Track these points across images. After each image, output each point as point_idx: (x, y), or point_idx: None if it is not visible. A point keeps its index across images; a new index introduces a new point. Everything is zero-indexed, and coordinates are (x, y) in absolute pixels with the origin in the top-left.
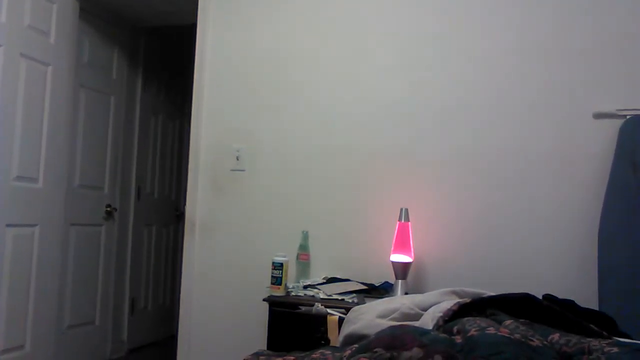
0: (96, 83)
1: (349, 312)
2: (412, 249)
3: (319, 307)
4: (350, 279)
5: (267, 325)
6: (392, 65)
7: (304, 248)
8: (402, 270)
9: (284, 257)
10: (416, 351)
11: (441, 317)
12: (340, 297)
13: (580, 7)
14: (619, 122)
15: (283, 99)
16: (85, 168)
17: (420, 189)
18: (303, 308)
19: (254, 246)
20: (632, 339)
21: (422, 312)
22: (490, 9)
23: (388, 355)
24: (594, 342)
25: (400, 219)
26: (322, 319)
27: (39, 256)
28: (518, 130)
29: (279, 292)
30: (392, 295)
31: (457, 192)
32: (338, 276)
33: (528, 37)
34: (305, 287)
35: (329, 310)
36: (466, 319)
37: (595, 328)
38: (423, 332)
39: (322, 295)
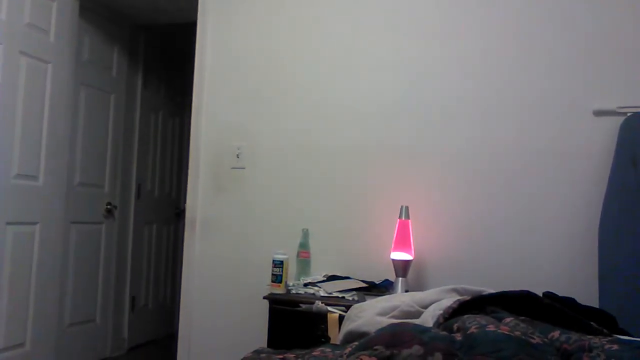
0: (96, 81)
1: (349, 310)
2: (412, 247)
3: (319, 304)
4: (351, 276)
5: (267, 323)
6: (393, 64)
7: (304, 246)
8: (402, 268)
9: (284, 255)
10: (416, 349)
11: (441, 314)
12: (340, 295)
13: (580, 4)
14: (619, 120)
15: (284, 97)
16: (85, 166)
17: (420, 187)
18: (303, 306)
19: (255, 244)
20: (632, 337)
21: (423, 310)
22: (491, 7)
23: (388, 352)
24: (595, 340)
25: (400, 217)
26: (323, 316)
27: (40, 254)
28: (518, 128)
29: (279, 290)
30: (392, 293)
31: (458, 190)
32: (338, 274)
33: (528, 35)
34: (305, 285)
35: (329, 308)
36: (466, 316)
37: (596, 325)
38: (423, 329)
39: (322, 293)
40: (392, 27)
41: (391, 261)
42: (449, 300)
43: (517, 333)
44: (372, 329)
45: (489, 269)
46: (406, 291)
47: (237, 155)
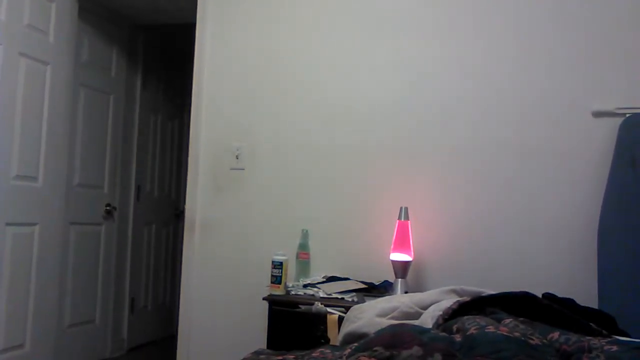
0: (95, 82)
1: (349, 311)
2: (411, 248)
3: (318, 306)
4: (350, 277)
5: (267, 324)
6: (392, 64)
7: (303, 247)
8: (401, 269)
9: (284, 256)
10: (416, 350)
11: (441, 315)
12: (340, 296)
13: (580, 5)
14: (618, 121)
15: (283, 98)
16: (84, 167)
17: (420, 188)
18: (303, 307)
19: (254, 245)
20: (631, 338)
21: (422, 311)
22: (490, 7)
23: (388, 353)
24: (594, 341)
25: (399, 218)
26: (322, 317)
27: (39, 255)
28: (518, 129)
29: (278, 291)
30: (391, 294)
31: (457, 191)
32: (338, 275)
33: (528, 36)
34: (305, 286)
35: (328, 309)
36: (466, 317)
37: (595, 326)
38: (423, 330)
39: (321, 294)
40: (392, 27)
41: (391, 262)
42: (448, 301)
43: (517, 334)
44: (371, 330)
45: (488, 270)
46: (406, 292)
47: (237, 155)
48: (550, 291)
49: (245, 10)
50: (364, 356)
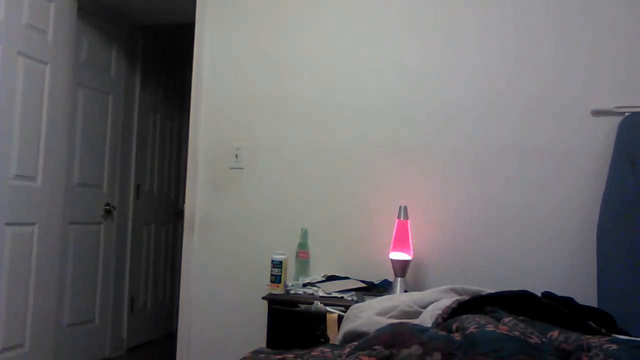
0: (94, 82)
1: (348, 310)
2: (411, 247)
3: (318, 305)
4: (350, 276)
5: (266, 324)
6: (393, 64)
7: (303, 246)
8: (401, 268)
9: (283, 255)
10: (415, 348)
11: (440, 314)
12: (339, 295)
13: (578, 5)
14: (617, 119)
15: (282, 98)
16: (84, 167)
17: (419, 187)
18: (302, 306)
19: (253, 244)
20: (631, 336)
21: (421, 310)
22: (489, 7)
23: (387, 352)
24: (593, 339)
25: (399, 217)
26: (322, 316)
27: (38, 255)
28: (517, 127)
29: (278, 290)
30: (391, 293)
31: (456, 190)
32: (337, 274)
33: (527, 35)
34: (304, 285)
35: (328, 308)
36: (465, 316)
37: (594, 325)
38: (422, 329)
39: (321, 293)
40: (391, 27)
41: (390, 261)
42: (447, 300)
43: (516, 333)
44: (371, 329)
45: (487, 269)
46: (405, 291)
47: (236, 155)
48: (549, 289)
49: (244, 10)
50: (364, 355)
